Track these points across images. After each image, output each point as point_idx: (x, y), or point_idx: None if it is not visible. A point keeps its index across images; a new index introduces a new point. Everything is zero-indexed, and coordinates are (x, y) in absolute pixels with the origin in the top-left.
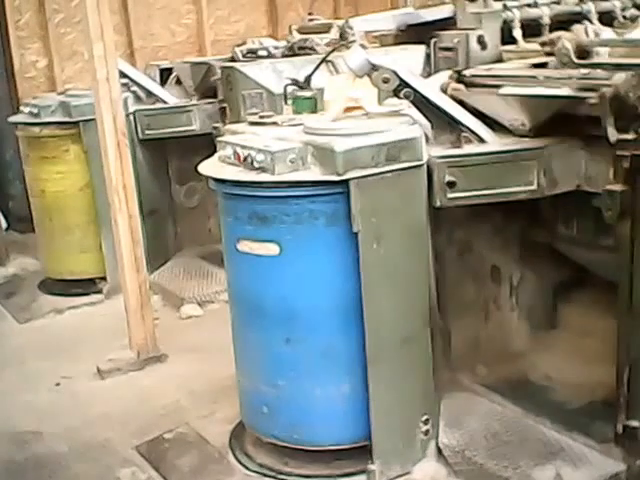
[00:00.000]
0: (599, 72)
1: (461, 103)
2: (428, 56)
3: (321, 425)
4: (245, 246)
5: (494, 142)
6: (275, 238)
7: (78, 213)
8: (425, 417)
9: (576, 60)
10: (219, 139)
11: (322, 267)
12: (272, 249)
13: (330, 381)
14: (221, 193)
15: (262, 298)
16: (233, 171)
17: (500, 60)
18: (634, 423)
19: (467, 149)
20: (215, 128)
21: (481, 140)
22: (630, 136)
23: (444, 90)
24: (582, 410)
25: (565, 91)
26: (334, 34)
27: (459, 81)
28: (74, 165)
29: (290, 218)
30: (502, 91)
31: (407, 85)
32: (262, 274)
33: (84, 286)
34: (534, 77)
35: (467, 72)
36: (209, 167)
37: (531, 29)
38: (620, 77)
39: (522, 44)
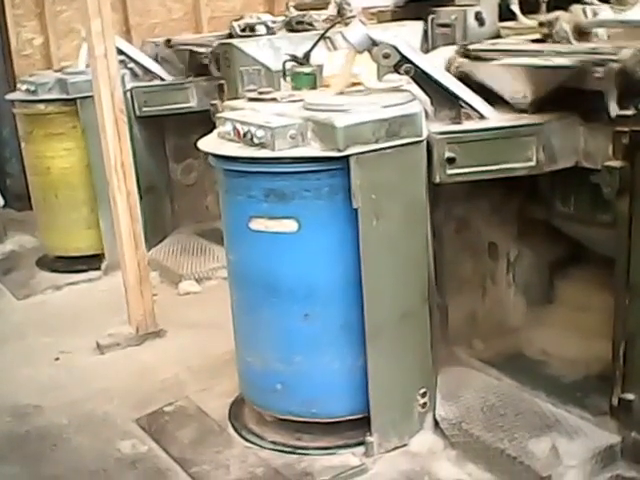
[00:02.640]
0: (606, 47)
1: (465, 77)
2: (425, 32)
3: (338, 397)
4: (259, 224)
5: (494, 118)
6: (294, 214)
7: (86, 189)
8: (422, 390)
9: (574, 42)
10: (218, 115)
11: (340, 241)
12: (290, 226)
13: (348, 353)
14: (229, 171)
15: (278, 275)
16: (233, 147)
17: (498, 36)
18: (629, 396)
19: (467, 125)
20: (212, 105)
21: (481, 116)
22: (630, 112)
23: (450, 64)
24: (577, 384)
25: (573, 62)
26: (332, 10)
27: (465, 55)
28: (81, 141)
29: (310, 193)
30: (510, 61)
31: (408, 60)
32: (279, 251)
33: (84, 262)
34: (541, 51)
35: (473, 47)
36: (208, 144)
37: (529, 5)
38: (627, 52)
39: (522, 19)
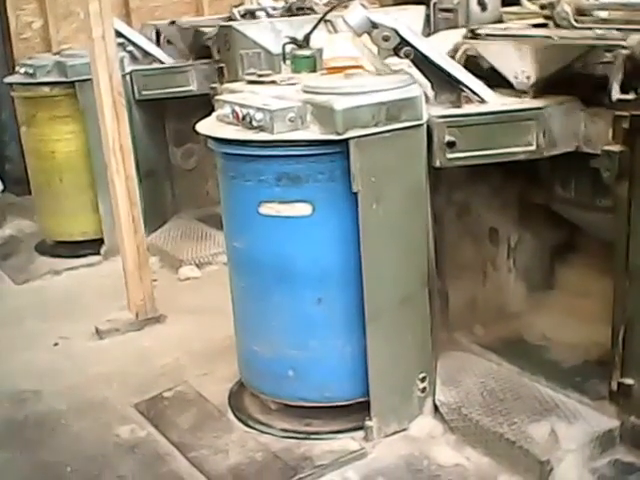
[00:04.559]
0: (614, 33)
1: (472, 60)
2: (428, 17)
3: (350, 380)
4: (271, 209)
5: (494, 102)
6: (308, 198)
7: (92, 173)
8: (422, 375)
9: (575, 23)
10: (217, 98)
11: (353, 224)
12: (304, 209)
13: (361, 336)
14: (236, 156)
15: (291, 260)
16: (231, 130)
17: (500, 21)
18: (628, 381)
19: (467, 109)
20: (212, 88)
21: (481, 100)
22: (630, 96)
23: (457, 47)
24: (577, 369)
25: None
26: None
27: (474, 37)
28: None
29: (324, 176)
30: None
31: (407, 43)
32: (291, 236)
33: (84, 247)
34: (549, 37)
35: (482, 31)
36: (207, 127)
37: None
38: (635, 38)
39: (525, 3)
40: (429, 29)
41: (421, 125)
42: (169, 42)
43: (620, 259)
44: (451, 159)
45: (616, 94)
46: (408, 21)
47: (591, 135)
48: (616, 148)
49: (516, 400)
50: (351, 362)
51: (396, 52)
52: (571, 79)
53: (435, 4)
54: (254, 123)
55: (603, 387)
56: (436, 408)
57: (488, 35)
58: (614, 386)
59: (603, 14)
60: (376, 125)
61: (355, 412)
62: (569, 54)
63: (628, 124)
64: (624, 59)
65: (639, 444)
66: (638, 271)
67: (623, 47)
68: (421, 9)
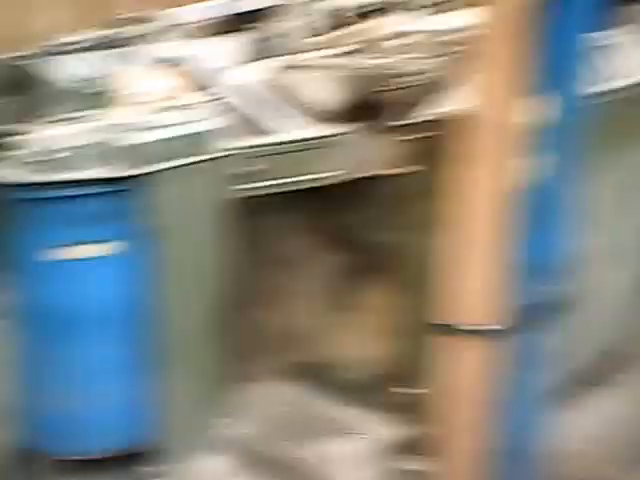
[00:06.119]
0: (404, 61)
1: (284, 90)
2: (246, 46)
3: (147, 426)
4: (60, 253)
5: (289, 131)
6: (104, 238)
7: None
8: (216, 410)
9: (371, 54)
10: (7, 139)
11: (148, 262)
12: (99, 250)
13: (156, 378)
14: (21, 200)
15: (79, 305)
16: (21, 172)
17: (315, 49)
18: (411, 391)
19: (262, 139)
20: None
21: (273, 130)
22: (415, 120)
23: (272, 78)
24: (365, 384)
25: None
26: (143, 27)
27: (284, 69)
28: None
29: (118, 214)
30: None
31: (208, 77)
32: (84, 279)
33: None
34: (345, 66)
35: (293, 62)
36: None
37: (338, 19)
38: (428, 67)
39: (329, 35)
40: (246, 58)
41: (216, 158)
42: None
43: (404, 277)
44: (247, 189)
45: (392, 120)
46: (225, 51)
47: (380, 159)
48: (400, 171)
49: (309, 422)
50: (150, 406)
51: (199, 86)
52: (367, 106)
53: (253, 34)
54: (47, 163)
55: (389, 399)
56: (230, 443)
57: (299, 66)
58: (397, 398)
59: (408, 40)
60: (168, 160)
61: (151, 456)
62: (364, 83)
63: (411, 147)
64: (421, 86)
65: (425, 453)
66: (411, 288)
67: (415, 74)
68: (239, 38)
